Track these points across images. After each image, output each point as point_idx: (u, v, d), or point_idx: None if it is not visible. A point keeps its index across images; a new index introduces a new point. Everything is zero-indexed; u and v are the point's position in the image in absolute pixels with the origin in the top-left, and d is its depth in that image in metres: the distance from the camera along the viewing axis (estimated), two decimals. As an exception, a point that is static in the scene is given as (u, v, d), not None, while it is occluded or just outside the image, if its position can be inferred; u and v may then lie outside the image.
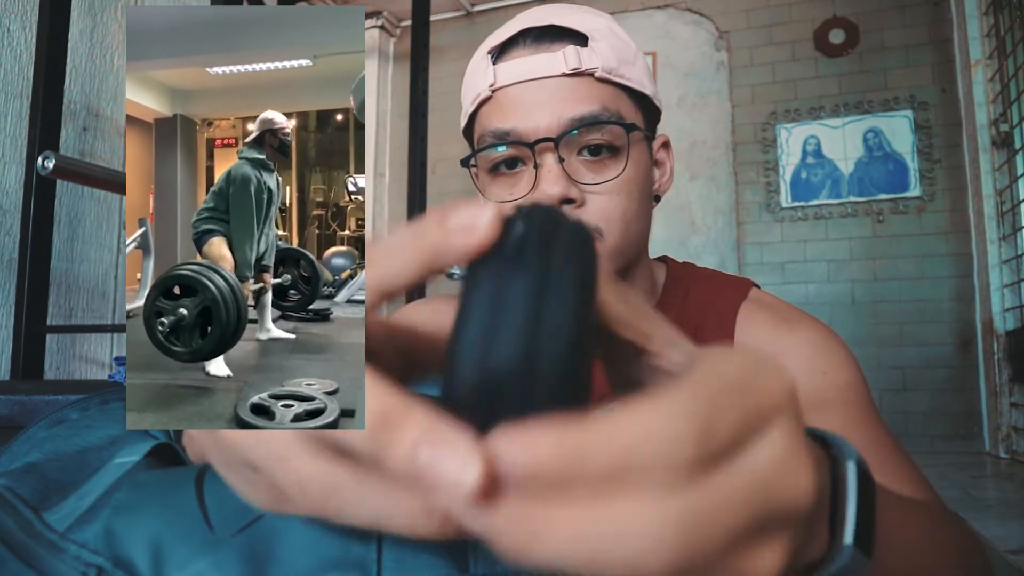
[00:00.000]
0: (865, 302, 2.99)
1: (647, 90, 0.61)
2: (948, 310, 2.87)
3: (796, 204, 3.12)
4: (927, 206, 2.94)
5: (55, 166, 1.28)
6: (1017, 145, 2.58)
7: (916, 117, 2.98)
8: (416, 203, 2.88)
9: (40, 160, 1.28)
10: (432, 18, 3.28)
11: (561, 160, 0.56)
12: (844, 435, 0.56)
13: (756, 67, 3.25)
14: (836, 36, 3.12)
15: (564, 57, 0.57)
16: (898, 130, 3.01)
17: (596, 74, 0.57)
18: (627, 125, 0.57)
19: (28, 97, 2.04)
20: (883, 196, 3.00)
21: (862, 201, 3.02)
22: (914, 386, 2.89)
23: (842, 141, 3.08)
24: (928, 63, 2.99)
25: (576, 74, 0.57)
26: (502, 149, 0.59)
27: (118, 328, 2.38)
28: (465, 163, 0.64)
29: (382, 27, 3.89)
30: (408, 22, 3.48)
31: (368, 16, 3.90)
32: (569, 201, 0.56)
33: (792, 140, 3.15)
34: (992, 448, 2.69)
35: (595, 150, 0.57)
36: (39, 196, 1.89)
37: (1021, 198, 2.55)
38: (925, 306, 2.91)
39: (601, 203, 0.57)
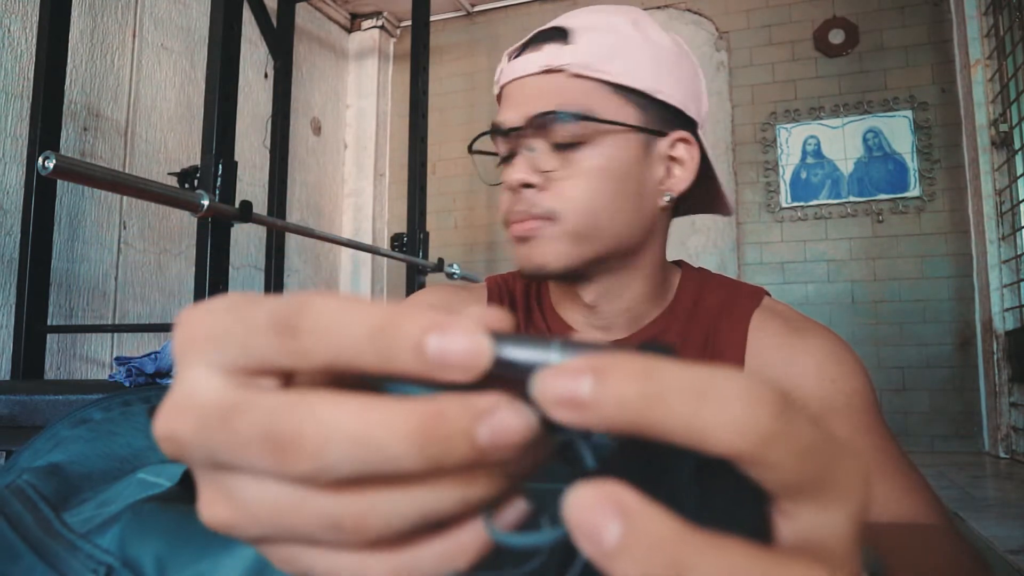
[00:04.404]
0: (865, 302, 2.99)
1: (639, 84, 0.60)
2: (948, 310, 2.88)
3: (796, 204, 3.12)
4: (927, 206, 2.94)
5: (55, 166, 1.28)
6: (1017, 145, 2.58)
7: (916, 117, 2.98)
8: (416, 203, 2.88)
9: (40, 160, 1.28)
10: (432, 18, 3.28)
11: (532, 150, 0.61)
12: (849, 442, 0.56)
13: (756, 67, 3.25)
14: (836, 36, 3.12)
15: (544, 55, 0.61)
16: (898, 130, 3.01)
17: (569, 70, 0.60)
18: (587, 117, 0.58)
19: (28, 97, 2.04)
20: (883, 196, 3.00)
21: (862, 201, 3.02)
22: (914, 386, 2.89)
23: (842, 141, 3.08)
24: (928, 63, 3.00)
25: (549, 71, 0.60)
26: (497, 141, 0.65)
27: (118, 328, 2.38)
28: (470, 150, 0.71)
29: (382, 27, 3.89)
30: (408, 22, 3.48)
31: (368, 16, 3.90)
32: (528, 185, 0.60)
33: (792, 140, 3.15)
34: (992, 448, 2.69)
35: (561, 145, 0.60)
36: (39, 196, 1.89)
37: (1021, 198, 2.55)
38: (925, 306, 2.91)
39: (560, 186, 0.60)
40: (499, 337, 0.17)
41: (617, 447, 0.17)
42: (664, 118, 0.62)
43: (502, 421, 0.16)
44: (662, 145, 0.63)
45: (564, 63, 0.60)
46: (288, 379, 0.18)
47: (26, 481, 0.28)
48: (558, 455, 0.18)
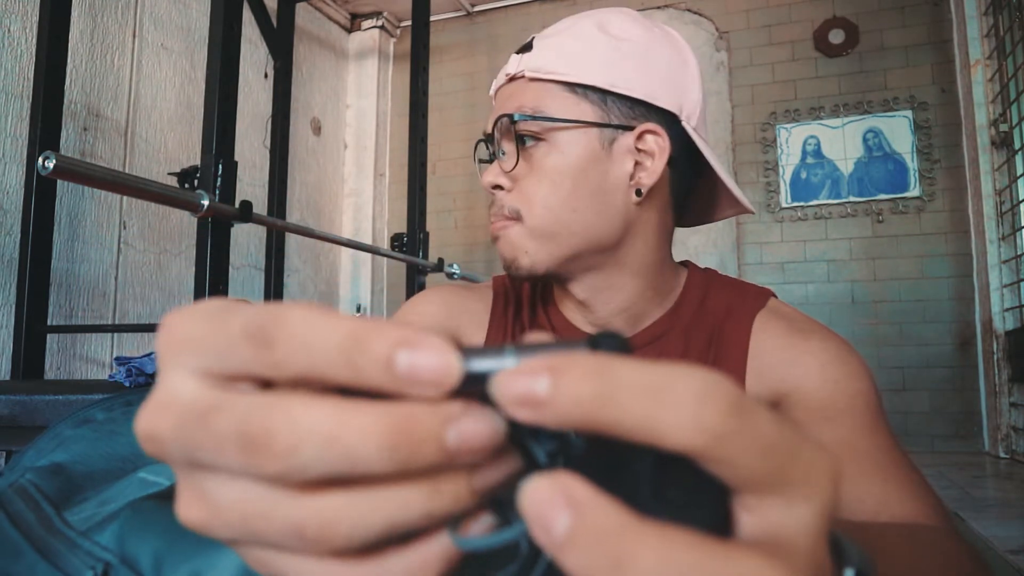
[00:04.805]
0: (865, 302, 2.99)
1: (592, 80, 0.61)
2: (948, 310, 2.88)
3: (796, 204, 3.12)
4: (927, 206, 2.94)
5: (55, 166, 1.28)
6: (1016, 145, 2.58)
7: (916, 117, 2.99)
8: (416, 203, 2.88)
9: (40, 160, 1.28)
10: (432, 18, 3.28)
11: (503, 154, 0.65)
12: (851, 444, 0.56)
13: (756, 67, 3.25)
14: (836, 36, 3.12)
15: (507, 67, 0.66)
16: (898, 130, 3.01)
17: (526, 75, 0.63)
18: (538, 117, 0.61)
19: (28, 97, 2.04)
20: (883, 196, 3.00)
21: (862, 201, 3.02)
22: (914, 386, 2.89)
23: (842, 141, 3.08)
24: (928, 63, 3.00)
25: (512, 79, 0.65)
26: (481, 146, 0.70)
27: (118, 328, 2.38)
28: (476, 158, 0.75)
29: (382, 27, 3.89)
30: (408, 22, 3.48)
31: (368, 16, 3.90)
32: (499, 187, 0.64)
33: (792, 140, 3.15)
34: (992, 448, 2.69)
35: (525, 146, 0.63)
36: (39, 196, 1.89)
37: (1021, 198, 2.55)
38: (925, 306, 2.91)
39: (523, 186, 0.63)
40: (465, 351, 0.17)
41: (582, 442, 0.18)
42: (629, 112, 0.62)
43: (470, 425, 0.17)
44: (627, 140, 0.62)
45: (520, 69, 0.64)
46: (267, 383, 0.18)
47: (29, 480, 0.29)
48: (523, 462, 0.18)
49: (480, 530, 0.18)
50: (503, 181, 0.64)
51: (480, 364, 0.17)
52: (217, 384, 0.18)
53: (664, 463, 0.17)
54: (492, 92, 0.69)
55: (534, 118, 0.61)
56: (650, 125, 0.62)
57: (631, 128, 0.62)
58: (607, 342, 0.18)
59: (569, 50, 0.62)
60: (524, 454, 0.18)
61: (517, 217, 0.63)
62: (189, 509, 0.18)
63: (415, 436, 0.16)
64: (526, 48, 0.65)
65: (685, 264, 0.72)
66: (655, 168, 0.62)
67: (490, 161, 0.68)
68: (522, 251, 0.63)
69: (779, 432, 0.16)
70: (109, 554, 0.25)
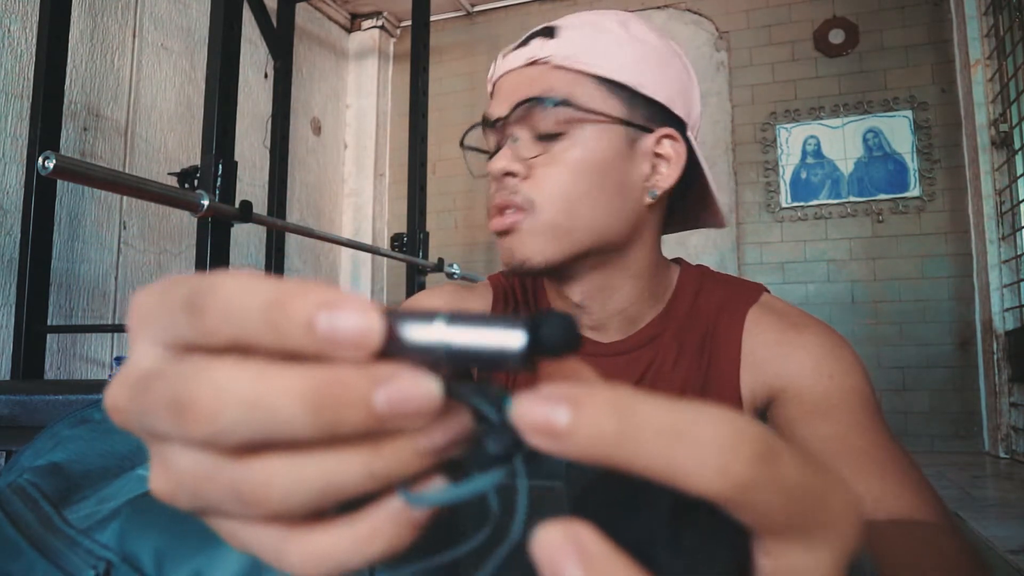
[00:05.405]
0: (865, 302, 2.99)
1: (622, 78, 0.60)
2: (948, 310, 2.88)
3: (796, 204, 3.12)
4: (927, 206, 2.94)
5: (55, 166, 1.28)
6: (1016, 145, 2.58)
7: (916, 117, 2.98)
8: (416, 203, 2.88)
9: (40, 160, 1.28)
10: (432, 18, 3.28)
11: (516, 140, 0.61)
12: (847, 440, 0.56)
13: (756, 67, 3.25)
14: (836, 36, 3.12)
15: (528, 49, 0.62)
16: (898, 130, 3.01)
17: (553, 62, 0.60)
18: (569, 104, 0.58)
19: (28, 97, 2.04)
20: (883, 196, 3.00)
21: (862, 201, 3.02)
22: (914, 386, 2.89)
23: (842, 141, 3.08)
24: (928, 63, 3.00)
25: (534, 63, 0.61)
26: (477, 130, 0.66)
27: (118, 328, 2.38)
28: (462, 144, 0.71)
29: (382, 27, 3.89)
30: (408, 22, 3.48)
31: (368, 16, 3.90)
32: (511, 175, 0.60)
33: (792, 140, 3.15)
34: (992, 448, 2.69)
35: (544, 136, 0.60)
36: (39, 196, 1.89)
37: (1021, 198, 2.55)
38: (925, 306, 2.91)
39: (540, 175, 0.60)
40: (392, 314, 0.17)
41: (596, 476, 0.17)
42: (650, 115, 0.62)
43: (401, 388, 0.16)
44: (647, 141, 0.62)
45: (547, 54, 0.60)
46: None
47: (27, 480, 0.29)
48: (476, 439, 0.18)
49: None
50: (517, 168, 0.60)
51: (408, 328, 0.17)
52: (171, 356, 0.18)
53: (681, 502, 0.17)
54: (499, 74, 0.65)
55: (567, 105, 0.59)
56: (669, 130, 0.62)
57: (651, 130, 0.62)
58: (551, 323, 0.17)
59: (602, 44, 0.60)
60: (476, 414, 0.18)
61: (529, 208, 0.60)
62: (156, 480, 0.18)
63: (340, 398, 0.16)
64: (548, 34, 0.62)
65: (677, 262, 0.71)
66: (671, 173, 0.63)
67: (477, 150, 0.66)
68: (534, 247, 0.60)
69: (805, 476, 0.16)
70: (110, 552, 0.25)
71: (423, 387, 0.16)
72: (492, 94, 0.67)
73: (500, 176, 0.61)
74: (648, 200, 0.63)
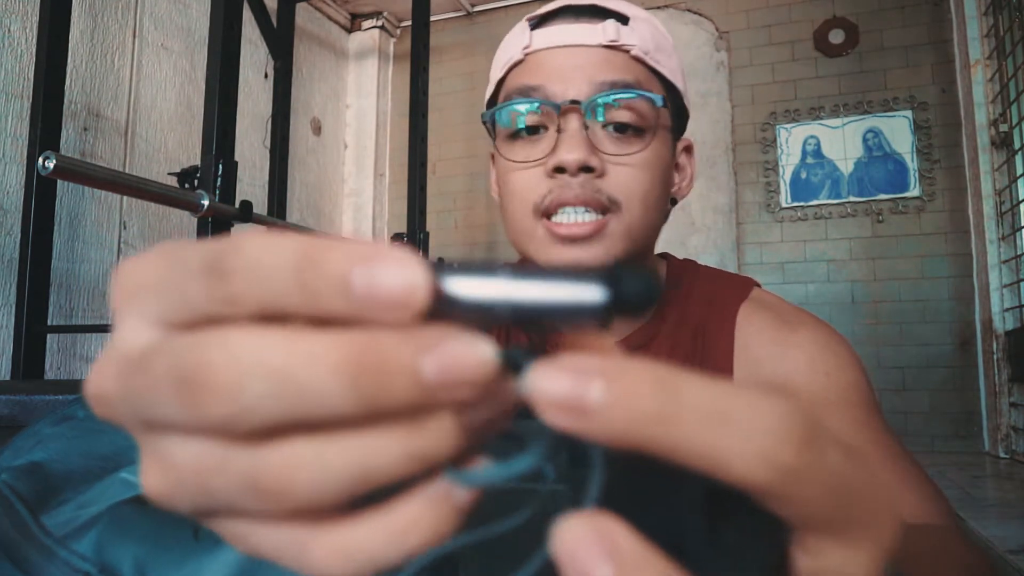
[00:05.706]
0: (865, 302, 2.99)
1: (679, 84, 0.59)
2: (948, 310, 2.87)
3: (796, 204, 3.12)
4: (927, 206, 2.94)
5: (55, 166, 1.28)
6: (1017, 145, 2.58)
7: (916, 117, 2.98)
8: (416, 203, 2.88)
9: (40, 160, 1.28)
10: (432, 18, 3.28)
11: (586, 128, 0.55)
12: (845, 437, 0.56)
13: (756, 67, 3.25)
14: (836, 36, 3.12)
15: (604, 29, 0.56)
16: (898, 130, 3.01)
17: (632, 52, 0.56)
18: (659, 99, 0.56)
19: (28, 97, 2.04)
20: (883, 196, 3.00)
21: (862, 201, 3.02)
22: (914, 386, 2.89)
23: (842, 141, 3.08)
24: (928, 63, 3.00)
25: (613, 47, 0.56)
26: (527, 108, 0.56)
27: (118, 328, 2.37)
28: (484, 118, 0.63)
29: (382, 27, 3.89)
30: (408, 22, 3.48)
31: (368, 16, 3.90)
32: (589, 169, 0.54)
33: (792, 140, 3.15)
34: (992, 448, 2.69)
35: (621, 127, 0.55)
36: (39, 196, 1.89)
37: (1021, 198, 2.55)
38: (925, 306, 2.91)
39: (623, 176, 0.55)
40: (441, 268, 0.15)
41: (623, 460, 0.16)
42: (680, 123, 0.62)
43: (453, 354, 0.14)
44: (679, 148, 0.62)
45: (631, 43, 0.55)
46: None
47: (3, 481, 0.27)
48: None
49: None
50: (595, 163, 0.54)
51: (465, 284, 0.15)
52: (174, 333, 0.15)
53: (714, 491, 0.15)
54: (553, 44, 0.57)
55: (650, 101, 0.54)
56: (689, 141, 0.63)
57: (679, 139, 0.62)
58: (631, 275, 0.15)
59: (662, 42, 0.58)
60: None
61: (615, 209, 0.54)
62: (149, 477, 0.15)
63: (382, 368, 0.13)
64: (613, 16, 0.56)
65: (664, 256, 0.71)
66: (691, 183, 0.63)
67: (532, 129, 0.57)
68: (620, 252, 0.55)
69: (850, 468, 0.14)
70: (88, 564, 0.24)
71: (477, 352, 0.14)
72: (524, 64, 0.59)
73: (575, 170, 0.54)
74: (669, 207, 0.63)
